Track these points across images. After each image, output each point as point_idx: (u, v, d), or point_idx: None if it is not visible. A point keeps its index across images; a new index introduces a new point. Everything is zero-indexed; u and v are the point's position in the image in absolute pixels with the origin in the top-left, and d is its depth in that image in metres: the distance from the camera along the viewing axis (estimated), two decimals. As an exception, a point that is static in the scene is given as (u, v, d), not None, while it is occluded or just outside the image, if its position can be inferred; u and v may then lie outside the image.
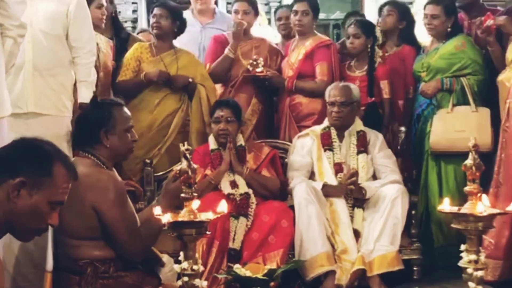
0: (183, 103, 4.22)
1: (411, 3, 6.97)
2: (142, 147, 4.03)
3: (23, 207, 1.85)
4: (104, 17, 4.17)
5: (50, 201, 1.89)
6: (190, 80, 4.18)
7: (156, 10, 4.29)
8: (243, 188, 3.79)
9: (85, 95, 3.36)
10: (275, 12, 4.89)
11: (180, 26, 4.31)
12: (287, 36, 4.76)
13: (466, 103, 4.09)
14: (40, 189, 1.86)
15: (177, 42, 4.36)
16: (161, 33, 4.26)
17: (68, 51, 3.40)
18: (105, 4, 4.17)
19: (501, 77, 3.84)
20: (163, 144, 4.15)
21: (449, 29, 4.20)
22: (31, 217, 1.87)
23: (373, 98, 4.22)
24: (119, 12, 4.75)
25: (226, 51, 4.35)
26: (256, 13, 4.54)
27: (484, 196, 2.08)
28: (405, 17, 4.55)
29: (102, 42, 4.10)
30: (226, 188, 3.78)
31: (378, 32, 4.38)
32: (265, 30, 5.48)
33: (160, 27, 4.24)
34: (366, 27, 4.35)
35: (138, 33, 5.12)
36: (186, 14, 4.70)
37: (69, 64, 3.42)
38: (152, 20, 4.34)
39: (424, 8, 4.28)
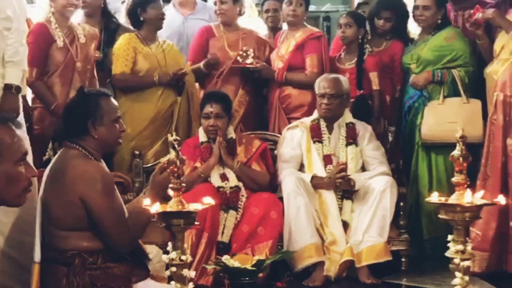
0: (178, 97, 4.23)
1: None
2: (146, 137, 4.11)
3: None
4: (72, 7, 3.94)
5: (14, 161, 1.83)
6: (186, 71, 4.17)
7: None
8: (233, 181, 3.79)
9: (12, 76, 3.15)
10: (262, 3, 4.83)
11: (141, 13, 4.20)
12: (274, 28, 4.72)
13: (457, 94, 4.11)
14: None
15: (159, 36, 4.32)
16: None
17: None
18: None
19: (488, 70, 3.85)
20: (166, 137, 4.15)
21: (439, 21, 4.21)
22: (9, 185, 1.83)
23: (362, 91, 4.23)
24: (108, 3, 4.65)
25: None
26: (235, 2, 4.40)
27: (481, 191, 2.09)
28: (399, 13, 4.46)
29: (81, 31, 4.00)
30: (216, 181, 3.77)
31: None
32: (255, 22, 5.45)
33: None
34: (358, 18, 4.36)
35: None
36: (168, 7, 4.69)
37: None
38: None
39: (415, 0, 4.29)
